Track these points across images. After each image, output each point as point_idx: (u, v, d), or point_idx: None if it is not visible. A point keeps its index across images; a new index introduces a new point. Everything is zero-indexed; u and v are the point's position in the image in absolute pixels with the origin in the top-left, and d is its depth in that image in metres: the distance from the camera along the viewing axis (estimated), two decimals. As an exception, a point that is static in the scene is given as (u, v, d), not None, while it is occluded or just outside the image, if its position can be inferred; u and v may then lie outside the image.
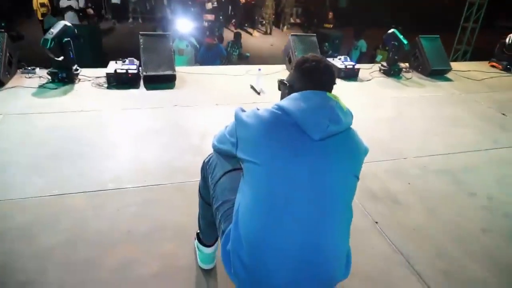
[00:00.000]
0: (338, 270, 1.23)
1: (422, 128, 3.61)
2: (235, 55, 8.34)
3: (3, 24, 8.05)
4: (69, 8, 10.04)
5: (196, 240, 1.80)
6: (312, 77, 1.29)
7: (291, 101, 1.22)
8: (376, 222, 2.22)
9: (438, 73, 5.24)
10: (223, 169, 1.44)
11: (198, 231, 1.77)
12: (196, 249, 1.83)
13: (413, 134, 3.46)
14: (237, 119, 1.27)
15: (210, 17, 11.62)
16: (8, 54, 3.91)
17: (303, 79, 1.29)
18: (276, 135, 1.17)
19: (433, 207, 2.42)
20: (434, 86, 4.90)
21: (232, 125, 1.31)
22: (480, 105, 4.35)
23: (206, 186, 1.54)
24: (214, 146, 1.48)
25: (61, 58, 3.89)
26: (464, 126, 3.74)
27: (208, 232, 1.70)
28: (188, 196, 2.30)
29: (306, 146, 1.16)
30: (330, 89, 1.32)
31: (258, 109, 1.25)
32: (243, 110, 1.30)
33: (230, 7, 13.86)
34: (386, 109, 4.01)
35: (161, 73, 4.06)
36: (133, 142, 2.91)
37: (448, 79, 5.21)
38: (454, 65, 5.65)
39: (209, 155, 1.56)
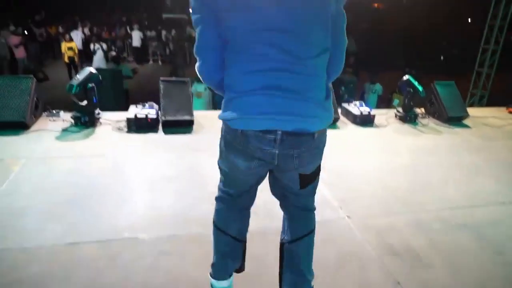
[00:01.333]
0: (319, 115, 1.41)
1: (442, 178, 3.52)
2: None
3: (32, 67, 8.52)
4: (98, 51, 10.58)
5: (210, 277, 1.76)
6: None
7: None
8: (399, 283, 2.12)
9: (455, 120, 5.21)
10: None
11: (211, 264, 1.74)
12: (210, 286, 1.76)
13: (433, 185, 3.38)
14: None
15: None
16: (35, 98, 4.10)
17: None
18: None
19: (457, 266, 2.30)
20: (452, 133, 4.85)
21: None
22: (501, 154, 4.25)
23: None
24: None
25: (84, 103, 4.05)
26: (485, 176, 3.64)
27: (221, 265, 1.68)
28: (204, 248, 2.26)
29: None
30: None
31: None
32: None
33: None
34: (403, 157, 3.96)
35: (179, 118, 4.16)
36: (149, 189, 2.93)
37: (466, 126, 5.16)
38: (471, 111, 5.62)
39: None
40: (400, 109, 5.20)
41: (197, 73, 1.47)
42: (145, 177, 3.13)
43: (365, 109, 4.90)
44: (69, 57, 10.92)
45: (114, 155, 3.48)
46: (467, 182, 3.48)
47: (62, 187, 2.85)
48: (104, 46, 11.43)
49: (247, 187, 1.64)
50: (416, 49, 16.04)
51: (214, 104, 6.43)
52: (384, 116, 5.20)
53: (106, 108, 4.59)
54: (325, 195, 3.01)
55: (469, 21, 20.53)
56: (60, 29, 14.84)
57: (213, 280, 1.73)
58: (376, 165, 3.67)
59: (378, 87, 8.12)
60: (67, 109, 4.41)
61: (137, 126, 4.07)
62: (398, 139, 4.52)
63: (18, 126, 3.84)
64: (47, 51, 14.52)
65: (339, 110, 4.98)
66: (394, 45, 16.55)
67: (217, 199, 1.74)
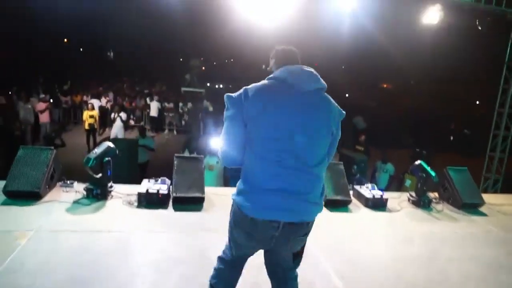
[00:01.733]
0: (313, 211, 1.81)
1: (461, 272, 3.32)
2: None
3: (53, 135, 8.87)
4: (118, 119, 11.05)
5: None
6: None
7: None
8: None
9: (471, 207, 5.08)
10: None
11: None
12: None
13: (452, 279, 3.18)
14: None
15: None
16: (52, 169, 4.20)
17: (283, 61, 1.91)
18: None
19: None
20: (468, 221, 4.70)
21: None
22: (523, 247, 4.05)
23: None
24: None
25: (99, 175, 4.12)
26: (508, 272, 3.42)
27: None
28: None
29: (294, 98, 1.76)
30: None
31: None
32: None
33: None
34: (417, 246, 3.80)
35: (190, 195, 4.17)
36: (154, 271, 2.83)
37: (482, 214, 5.01)
38: (487, 197, 5.50)
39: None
40: (413, 193, 5.12)
41: (219, 156, 1.85)
42: (151, 257, 3.04)
43: (377, 193, 4.84)
44: (89, 124, 11.41)
45: (122, 232, 3.43)
46: (491, 279, 3.27)
47: (67, 265, 2.78)
48: (124, 115, 11.97)
49: (249, 253, 2.00)
50: (425, 129, 16.34)
51: (226, 178, 6.45)
52: (397, 200, 5.11)
53: (119, 179, 4.64)
54: (333, 283, 2.84)
55: (477, 103, 21.16)
56: (85, 98, 15.73)
57: None
58: (390, 254, 3.52)
59: (389, 167, 8.11)
60: (80, 176, 4.47)
61: (148, 201, 4.06)
62: (412, 226, 4.38)
63: (32, 196, 3.88)
64: (69, 116, 15.27)
65: (351, 192, 4.93)
66: (402, 123, 16.94)
67: (220, 259, 2.05)
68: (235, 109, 1.74)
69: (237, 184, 1.82)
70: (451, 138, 17.19)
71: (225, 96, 1.78)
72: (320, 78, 1.82)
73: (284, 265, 1.98)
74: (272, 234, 1.75)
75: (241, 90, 1.76)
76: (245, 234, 1.82)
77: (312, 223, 1.84)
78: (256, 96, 1.73)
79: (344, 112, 1.89)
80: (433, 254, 3.64)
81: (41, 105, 11.56)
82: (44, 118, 11.54)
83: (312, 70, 1.83)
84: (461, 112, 19.18)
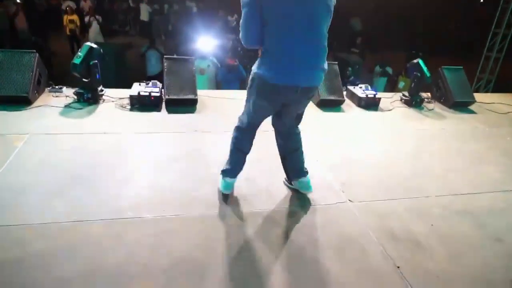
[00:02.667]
0: (321, 77, 2.26)
1: (445, 164, 3.52)
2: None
3: (33, 38, 8.35)
4: (93, 23, 10.34)
5: (222, 175, 2.56)
6: None
7: None
8: (398, 267, 2.15)
9: (461, 105, 5.16)
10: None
11: (226, 167, 2.53)
12: (222, 181, 2.56)
13: (435, 171, 3.38)
14: None
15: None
16: (38, 74, 4.05)
17: None
18: None
19: (457, 253, 2.33)
20: (457, 119, 4.81)
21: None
22: (506, 141, 4.23)
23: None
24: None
25: (87, 80, 4.00)
26: (488, 163, 3.63)
27: (235, 170, 2.51)
28: (207, 229, 2.30)
29: None
30: None
31: None
32: None
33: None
34: (407, 142, 3.95)
35: (183, 97, 4.12)
36: (152, 169, 2.94)
37: (472, 111, 5.12)
38: (478, 96, 5.56)
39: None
40: (406, 93, 5.13)
41: (241, 39, 2.18)
42: (149, 156, 3.12)
43: (370, 92, 4.84)
44: (71, 30, 10.70)
45: (117, 133, 3.46)
46: (471, 169, 3.47)
47: (66, 164, 2.86)
48: (100, 18, 11.07)
49: (265, 118, 2.46)
50: (423, 31, 15.69)
51: (218, 83, 6.35)
52: (390, 100, 5.14)
53: (109, 83, 4.53)
54: (327, 179, 3.01)
55: (481, 1, 19.98)
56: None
57: (228, 179, 2.53)
58: (379, 150, 3.66)
59: (389, 69, 7.99)
60: (70, 83, 4.37)
61: (140, 104, 4.03)
62: (402, 124, 4.49)
63: (21, 101, 3.81)
64: (48, 21, 14.18)
65: (344, 93, 4.91)
66: (399, 26, 16.18)
67: (238, 128, 2.49)
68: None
69: (257, 61, 2.21)
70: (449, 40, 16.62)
71: None
72: None
73: (288, 124, 2.51)
74: (291, 96, 2.21)
75: None
76: (268, 100, 2.25)
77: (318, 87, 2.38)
78: None
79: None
80: (420, 149, 3.80)
81: (11, 8, 10.64)
82: (20, 23, 10.74)
83: None
84: (463, 12, 18.22)
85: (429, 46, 12.44)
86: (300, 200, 2.69)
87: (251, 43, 2.19)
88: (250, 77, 2.27)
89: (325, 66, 2.25)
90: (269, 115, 2.47)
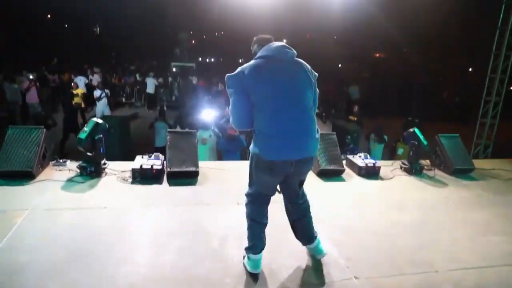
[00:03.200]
0: (314, 146, 2.39)
1: (451, 235, 3.42)
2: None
3: (43, 114, 8.69)
4: (103, 97, 10.83)
5: (245, 255, 2.56)
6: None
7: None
8: None
9: (461, 172, 5.17)
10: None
11: (248, 245, 2.51)
12: (247, 260, 2.55)
13: (442, 243, 3.27)
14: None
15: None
16: (43, 148, 4.16)
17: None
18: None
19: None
20: (459, 186, 4.79)
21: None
22: (511, 209, 4.16)
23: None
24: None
25: (92, 153, 4.09)
26: (497, 233, 3.52)
27: (258, 244, 2.48)
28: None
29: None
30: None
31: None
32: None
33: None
34: (410, 212, 3.88)
35: (184, 169, 4.17)
36: (151, 245, 2.87)
37: (473, 178, 5.11)
38: (477, 162, 5.60)
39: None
40: (406, 161, 5.19)
41: (232, 123, 2.38)
42: (148, 232, 3.07)
43: (370, 161, 4.89)
44: (75, 103, 11.14)
45: (117, 208, 3.45)
46: (479, 240, 3.36)
47: (64, 242, 2.80)
48: (108, 92, 11.61)
49: (272, 188, 2.55)
50: (418, 97, 16.35)
51: (219, 152, 6.47)
52: (390, 168, 5.18)
53: (113, 154, 4.62)
54: (332, 254, 2.91)
55: (470, 70, 21.11)
56: (73, 76, 15.36)
57: (253, 256, 2.49)
58: (383, 221, 3.60)
59: (385, 137, 8.13)
60: (73, 155, 4.45)
61: (142, 177, 4.07)
62: (404, 193, 4.46)
63: (25, 176, 3.86)
64: (59, 96, 14.93)
65: (344, 162, 4.97)
66: (395, 93, 16.91)
67: (248, 203, 2.54)
68: (237, 84, 2.24)
69: (252, 140, 2.36)
70: (443, 107, 17.24)
71: (226, 76, 2.28)
72: (290, 47, 2.36)
73: (293, 192, 2.61)
74: (288, 169, 2.33)
75: (238, 70, 2.27)
76: (267, 174, 2.36)
77: (314, 158, 2.60)
78: (251, 71, 2.24)
79: (316, 73, 2.45)
80: (425, 219, 3.73)
81: (25, 84, 11.26)
82: (32, 98, 11.27)
83: (284, 43, 2.39)
84: (454, 80, 19.16)
85: (425, 112, 12.88)
86: (303, 277, 2.58)
87: (243, 127, 2.40)
88: (250, 155, 2.41)
89: (317, 135, 2.39)
90: (275, 185, 2.54)
